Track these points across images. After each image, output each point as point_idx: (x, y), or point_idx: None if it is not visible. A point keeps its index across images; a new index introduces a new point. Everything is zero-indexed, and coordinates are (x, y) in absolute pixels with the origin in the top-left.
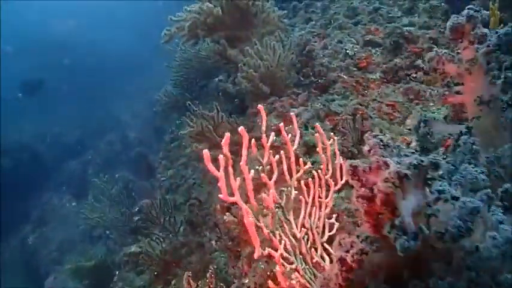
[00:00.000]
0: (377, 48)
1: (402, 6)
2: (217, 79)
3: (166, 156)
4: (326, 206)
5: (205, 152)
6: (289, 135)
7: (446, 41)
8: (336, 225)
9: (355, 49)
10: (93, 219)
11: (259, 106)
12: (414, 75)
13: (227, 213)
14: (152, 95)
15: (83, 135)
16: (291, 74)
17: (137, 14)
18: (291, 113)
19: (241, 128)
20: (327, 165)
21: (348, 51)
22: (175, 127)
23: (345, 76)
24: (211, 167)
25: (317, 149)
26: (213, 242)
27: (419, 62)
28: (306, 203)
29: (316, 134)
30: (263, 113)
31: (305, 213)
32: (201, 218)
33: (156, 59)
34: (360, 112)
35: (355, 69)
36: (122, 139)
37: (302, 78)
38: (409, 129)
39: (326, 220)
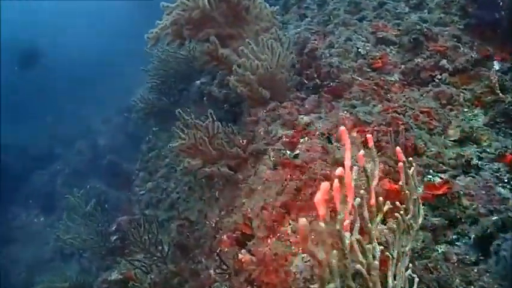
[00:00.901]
0: (391, 47)
1: (409, 1)
2: (199, 82)
3: (144, 167)
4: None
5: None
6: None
7: (469, 38)
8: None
9: (367, 48)
10: (67, 241)
11: (342, 130)
12: (439, 77)
13: (243, 251)
14: (123, 99)
15: (51, 144)
16: (291, 75)
17: (108, 16)
18: (363, 135)
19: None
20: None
21: (359, 49)
22: (153, 135)
23: (359, 78)
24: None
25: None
26: (212, 271)
27: (444, 62)
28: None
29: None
30: (347, 141)
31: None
32: (194, 241)
33: (127, 61)
34: (399, 122)
35: (369, 70)
36: (92, 147)
37: (306, 81)
38: (454, 141)
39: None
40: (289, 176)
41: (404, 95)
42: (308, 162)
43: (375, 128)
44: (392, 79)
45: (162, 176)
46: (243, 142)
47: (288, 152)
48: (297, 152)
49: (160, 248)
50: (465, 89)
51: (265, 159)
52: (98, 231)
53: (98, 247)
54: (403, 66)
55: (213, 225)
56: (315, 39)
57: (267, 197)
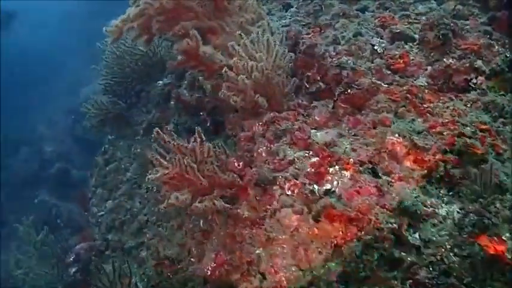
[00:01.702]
0: (410, 44)
1: None
2: (161, 82)
3: (102, 183)
4: None
5: None
6: None
7: (499, 34)
8: None
9: (383, 44)
10: (18, 277)
11: None
12: (474, 82)
13: None
14: (68, 99)
15: None
16: (289, 78)
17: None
18: None
19: None
20: None
21: (375, 47)
22: (109, 144)
23: (381, 83)
24: None
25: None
26: None
27: (479, 63)
28: None
29: None
30: None
31: None
32: (178, 285)
33: (70, 58)
34: (475, 149)
35: (389, 72)
36: (38, 153)
37: (307, 84)
38: None
39: None
40: (340, 233)
41: (447, 106)
42: (364, 211)
43: (437, 156)
44: (421, 84)
45: (124, 194)
46: (238, 165)
47: (315, 186)
48: (328, 186)
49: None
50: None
51: (279, 193)
52: (53, 264)
53: (54, 283)
54: (429, 67)
55: (208, 271)
56: (309, 34)
57: (304, 259)
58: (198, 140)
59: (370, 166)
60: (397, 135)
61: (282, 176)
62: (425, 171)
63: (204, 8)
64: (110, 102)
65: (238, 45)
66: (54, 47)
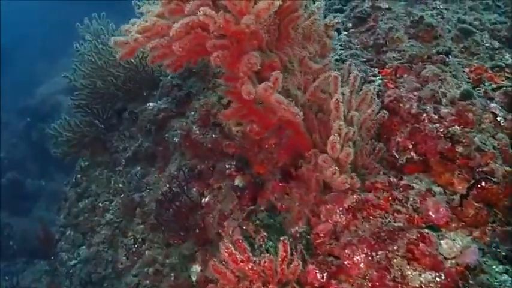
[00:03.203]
0: None
1: (496, 31)
2: (151, 105)
3: (73, 223)
4: None
5: None
6: None
7: None
8: None
9: (502, 113)
10: None
11: None
12: None
13: None
14: (22, 98)
15: None
16: (372, 143)
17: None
18: None
19: None
20: None
21: (498, 118)
22: (82, 173)
23: None
24: None
25: None
26: None
27: None
28: None
29: None
30: None
31: None
32: None
33: (22, 54)
34: None
35: None
36: None
37: (396, 154)
38: None
39: None
40: None
41: None
42: None
43: None
44: None
45: (103, 241)
46: (321, 278)
47: None
48: None
49: None
50: None
51: None
52: None
53: None
54: None
55: None
56: (384, 79)
57: None
58: (282, 255)
59: None
60: None
61: None
62: None
63: (269, 34)
64: (85, 123)
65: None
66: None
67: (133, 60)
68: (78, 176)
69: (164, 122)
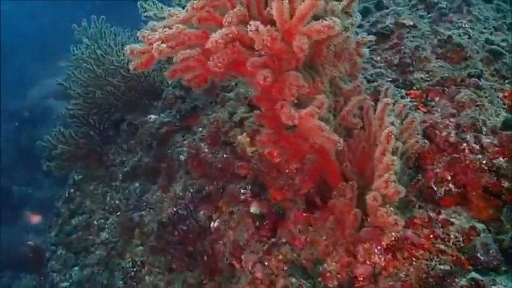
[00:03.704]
0: None
1: None
2: (153, 117)
3: (66, 241)
4: None
5: None
6: None
7: None
8: None
9: None
10: None
11: None
12: None
13: None
14: (11, 101)
15: None
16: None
17: None
18: None
19: None
20: None
21: None
22: (75, 188)
23: None
24: None
25: None
26: None
27: None
28: None
29: None
30: None
31: None
32: None
33: (11, 55)
34: None
35: None
36: None
37: (434, 186)
38: None
39: None
40: None
41: None
42: None
43: None
44: None
45: (98, 263)
46: None
47: None
48: None
49: None
50: None
51: None
52: None
53: None
54: None
55: None
56: (413, 102)
57: None
58: None
59: None
60: None
61: None
62: None
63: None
64: (81, 134)
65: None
66: None
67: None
68: (71, 190)
69: (167, 137)
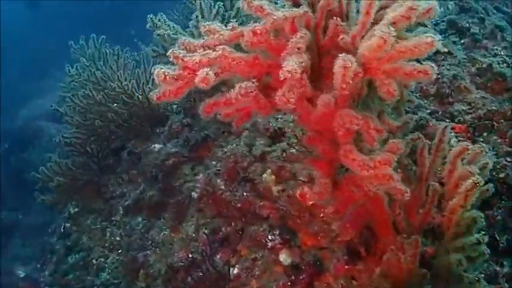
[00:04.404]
0: None
1: None
2: (157, 147)
3: (62, 282)
4: None
5: None
6: None
7: None
8: None
9: None
10: None
11: None
12: None
13: None
14: (1, 122)
15: None
16: None
17: None
18: None
19: None
20: None
21: None
22: (71, 222)
23: None
24: None
25: None
26: None
27: None
28: None
29: None
30: None
31: None
32: None
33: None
34: None
35: None
36: None
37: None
38: None
39: None
40: None
41: None
42: None
43: None
44: None
45: None
46: None
47: None
48: None
49: None
50: None
51: None
52: None
53: None
54: None
55: None
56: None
57: None
58: None
59: None
60: None
61: None
62: None
63: None
64: (79, 164)
65: None
66: None
67: (138, 95)
68: (67, 224)
69: (174, 169)
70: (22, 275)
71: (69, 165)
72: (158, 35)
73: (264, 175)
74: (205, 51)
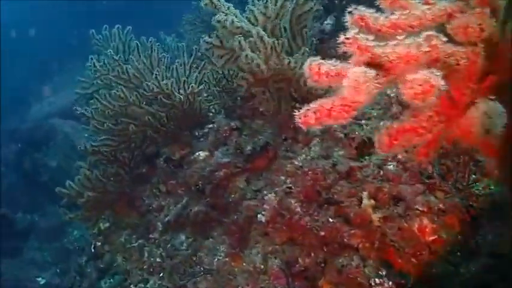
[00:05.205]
0: None
1: None
2: (203, 154)
3: None
4: None
5: None
6: None
7: None
8: None
9: None
10: None
11: None
12: None
13: None
14: (11, 120)
15: None
16: None
17: None
18: None
19: None
20: None
21: None
22: (103, 240)
23: None
24: None
25: None
26: None
27: None
28: None
29: None
30: None
31: None
32: None
33: (13, 70)
34: None
35: None
36: None
37: None
38: None
39: None
40: None
41: None
42: None
43: None
44: None
45: None
46: None
47: None
48: None
49: None
50: None
51: None
52: None
53: None
54: None
55: None
56: None
57: None
58: None
59: None
60: None
61: None
62: None
63: None
64: (109, 174)
65: None
66: None
67: (178, 94)
68: (98, 243)
69: (226, 182)
70: (42, 282)
71: (99, 177)
72: (218, 21)
73: (364, 200)
74: (412, 40)
